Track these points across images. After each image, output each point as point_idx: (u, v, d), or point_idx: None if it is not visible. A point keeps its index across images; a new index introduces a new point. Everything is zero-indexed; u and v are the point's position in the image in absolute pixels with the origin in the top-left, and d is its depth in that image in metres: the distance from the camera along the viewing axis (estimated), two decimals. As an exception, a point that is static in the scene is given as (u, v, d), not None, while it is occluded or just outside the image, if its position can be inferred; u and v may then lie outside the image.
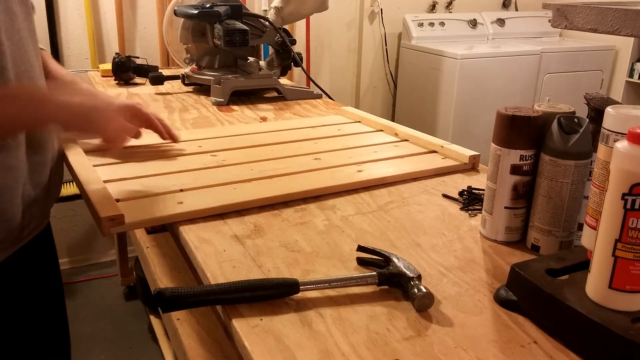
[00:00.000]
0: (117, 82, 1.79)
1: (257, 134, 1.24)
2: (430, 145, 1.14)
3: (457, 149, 1.08)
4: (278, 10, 1.65)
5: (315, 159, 1.07)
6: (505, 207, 0.76)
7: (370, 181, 0.96)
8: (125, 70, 1.76)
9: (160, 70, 1.75)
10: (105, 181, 0.93)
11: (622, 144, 0.53)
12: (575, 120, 0.70)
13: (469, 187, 0.94)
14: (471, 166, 1.05)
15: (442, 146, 1.11)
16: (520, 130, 0.72)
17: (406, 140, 1.20)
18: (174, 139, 1.11)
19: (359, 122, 1.35)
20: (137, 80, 1.80)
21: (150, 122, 1.07)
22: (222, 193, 0.89)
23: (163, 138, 1.09)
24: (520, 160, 0.73)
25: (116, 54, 1.80)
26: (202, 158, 1.07)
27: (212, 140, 1.16)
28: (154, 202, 0.86)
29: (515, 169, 0.73)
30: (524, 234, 0.77)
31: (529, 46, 2.73)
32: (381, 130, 1.28)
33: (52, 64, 1.03)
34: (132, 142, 1.01)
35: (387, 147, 1.16)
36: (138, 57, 1.84)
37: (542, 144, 0.72)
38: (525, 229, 0.77)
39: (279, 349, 0.55)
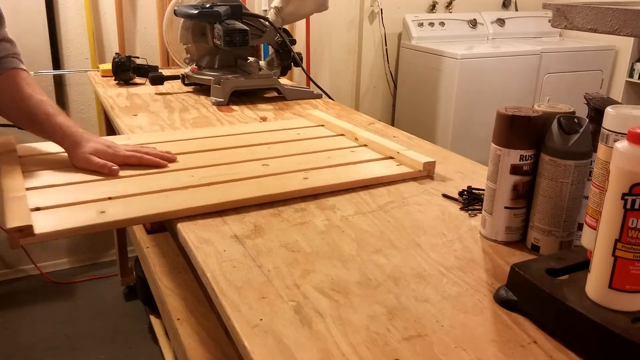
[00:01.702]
0: (117, 82, 1.79)
1: (213, 138, 1.20)
2: (387, 151, 1.10)
3: (413, 156, 1.04)
4: (278, 10, 1.65)
5: (264, 164, 1.03)
6: (505, 207, 0.76)
7: (314, 189, 0.92)
8: (125, 70, 1.76)
9: (160, 70, 1.75)
10: (28, 188, 0.89)
11: (622, 144, 0.53)
12: (575, 120, 0.70)
13: (469, 187, 0.94)
14: (426, 173, 1.01)
15: (398, 152, 1.07)
16: (520, 130, 0.72)
17: (365, 145, 1.16)
18: (171, 160, 1.04)
19: (322, 125, 1.32)
20: (137, 80, 1.80)
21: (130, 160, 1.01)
22: (151, 202, 0.86)
23: (161, 166, 1.02)
24: (520, 160, 0.73)
25: (116, 54, 1.80)
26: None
27: (162, 145, 1.12)
28: (73, 212, 0.82)
29: (515, 169, 0.73)
30: (524, 234, 0.77)
31: (529, 46, 2.73)
32: (342, 135, 1.24)
33: (25, 88, 1.03)
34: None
35: (343, 152, 1.12)
36: (138, 57, 1.84)
37: (542, 144, 0.72)
38: (525, 229, 0.77)
39: (279, 349, 0.55)
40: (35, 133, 1.04)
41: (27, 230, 0.74)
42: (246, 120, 1.39)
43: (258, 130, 1.28)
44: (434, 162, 1.02)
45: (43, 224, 0.77)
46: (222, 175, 0.97)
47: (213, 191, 0.90)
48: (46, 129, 1.01)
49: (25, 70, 1.05)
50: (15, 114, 1.03)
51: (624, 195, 0.52)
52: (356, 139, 1.20)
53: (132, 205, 0.85)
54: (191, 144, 1.16)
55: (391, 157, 1.08)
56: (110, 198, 0.87)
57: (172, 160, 1.04)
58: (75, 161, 1.00)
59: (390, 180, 0.99)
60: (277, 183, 0.94)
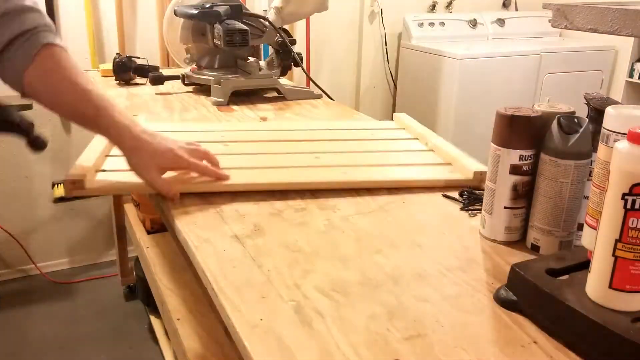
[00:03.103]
0: (117, 82, 1.79)
1: (297, 131, 1.27)
2: (448, 157, 1.06)
3: (466, 163, 0.99)
4: (278, 10, 1.65)
5: (316, 157, 1.07)
6: (505, 207, 0.76)
7: (345, 183, 0.95)
8: (126, 70, 1.76)
9: (160, 70, 1.75)
10: (109, 155, 1.02)
11: (622, 144, 0.53)
12: (575, 120, 0.70)
13: (469, 187, 0.94)
14: (476, 183, 0.96)
15: (455, 158, 1.03)
16: (520, 130, 0.72)
17: (432, 150, 1.13)
18: (223, 178, 0.93)
19: (403, 129, 1.29)
20: (138, 80, 1.80)
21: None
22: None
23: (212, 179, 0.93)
24: (519, 160, 0.73)
25: (117, 54, 1.80)
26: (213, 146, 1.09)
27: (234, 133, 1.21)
28: (126, 176, 0.91)
29: (514, 169, 0.73)
30: (523, 234, 0.77)
31: (529, 46, 2.73)
32: (416, 139, 1.21)
33: (66, 65, 0.86)
34: None
35: (405, 154, 1.12)
36: (139, 57, 1.84)
37: (542, 144, 0.72)
38: (525, 229, 0.77)
39: (279, 349, 0.55)
40: (85, 127, 0.89)
41: (79, 183, 0.87)
42: (246, 121, 1.39)
43: (334, 127, 1.32)
44: (486, 171, 0.93)
45: (96, 181, 0.92)
46: (267, 162, 1.03)
47: (250, 174, 0.97)
48: (100, 126, 0.87)
49: (62, 47, 0.88)
50: (59, 107, 0.88)
51: (624, 195, 0.52)
52: (426, 144, 1.16)
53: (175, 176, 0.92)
54: (264, 134, 1.23)
55: (449, 164, 1.04)
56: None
57: (224, 178, 0.92)
58: (140, 170, 0.87)
59: (430, 186, 0.96)
60: (305, 174, 0.98)
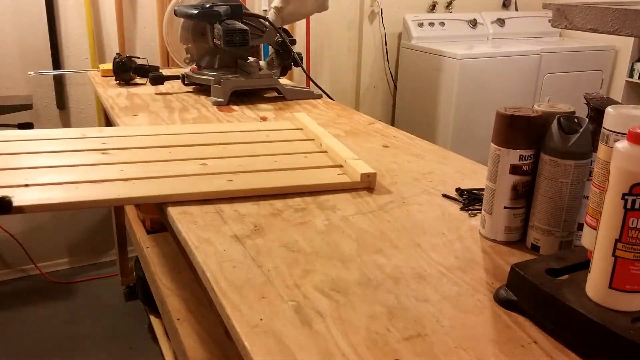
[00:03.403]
0: (117, 82, 1.79)
1: (179, 135, 1.21)
2: (339, 159, 1.04)
3: (356, 166, 0.97)
4: (278, 10, 1.65)
5: (202, 164, 1.01)
6: (505, 207, 0.76)
7: (229, 192, 0.91)
8: (127, 70, 1.76)
9: (160, 70, 1.75)
10: None
11: (622, 144, 0.53)
12: (575, 120, 0.70)
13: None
14: (365, 185, 0.95)
15: (345, 161, 1.01)
16: (520, 130, 0.72)
17: (325, 152, 1.11)
18: None
19: (301, 129, 1.27)
20: (138, 80, 1.80)
21: None
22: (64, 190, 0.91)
23: None
24: (519, 160, 0.73)
25: (117, 54, 1.80)
26: (92, 155, 1.06)
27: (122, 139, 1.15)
28: None
29: (514, 169, 0.74)
30: (523, 233, 0.77)
31: (529, 46, 2.73)
32: (312, 140, 1.19)
33: None
34: None
35: (296, 157, 1.08)
36: (139, 57, 1.84)
37: (542, 144, 0.72)
38: (525, 229, 0.77)
39: (279, 349, 0.55)
40: None
41: None
42: (246, 120, 1.39)
43: (228, 129, 1.26)
44: (374, 173, 0.96)
45: None
46: (148, 172, 0.97)
47: (121, 186, 0.91)
48: None
49: None
50: None
51: (624, 195, 0.53)
52: (320, 145, 1.15)
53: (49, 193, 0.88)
54: (150, 139, 1.16)
55: (340, 166, 1.03)
56: (27, 185, 0.91)
57: None
58: None
59: (318, 190, 0.94)
60: (190, 183, 0.93)
